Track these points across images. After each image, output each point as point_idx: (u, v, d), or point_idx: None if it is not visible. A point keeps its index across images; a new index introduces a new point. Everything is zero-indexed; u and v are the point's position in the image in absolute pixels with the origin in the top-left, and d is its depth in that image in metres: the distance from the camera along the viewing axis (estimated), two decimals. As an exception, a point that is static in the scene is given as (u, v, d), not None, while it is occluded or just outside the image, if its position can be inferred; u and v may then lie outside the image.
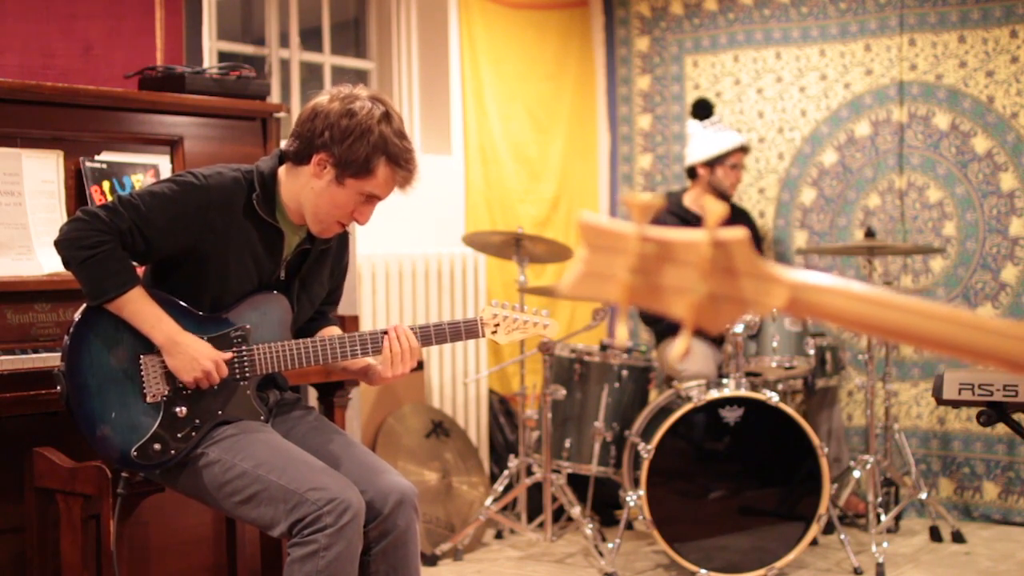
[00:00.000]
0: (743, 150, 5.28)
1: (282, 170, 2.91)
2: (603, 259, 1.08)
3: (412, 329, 2.93)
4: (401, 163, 2.82)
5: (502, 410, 5.36)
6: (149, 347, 2.82)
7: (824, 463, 4.21)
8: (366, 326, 4.70)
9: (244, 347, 2.88)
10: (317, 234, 2.92)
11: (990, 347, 1.07)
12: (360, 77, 5.40)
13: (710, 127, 5.26)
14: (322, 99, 2.86)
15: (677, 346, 1.08)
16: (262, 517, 2.75)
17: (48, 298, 3.17)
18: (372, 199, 2.86)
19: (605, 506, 5.01)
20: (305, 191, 2.86)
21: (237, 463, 2.78)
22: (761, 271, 1.07)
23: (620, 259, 1.07)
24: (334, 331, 3.05)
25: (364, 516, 2.74)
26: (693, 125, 5.32)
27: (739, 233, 1.06)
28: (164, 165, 3.55)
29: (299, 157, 2.86)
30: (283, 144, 2.93)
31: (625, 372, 4.73)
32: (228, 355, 2.85)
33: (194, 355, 2.79)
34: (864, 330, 1.09)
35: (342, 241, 3.09)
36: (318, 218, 2.87)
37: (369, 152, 2.78)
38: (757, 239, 5.46)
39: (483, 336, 2.96)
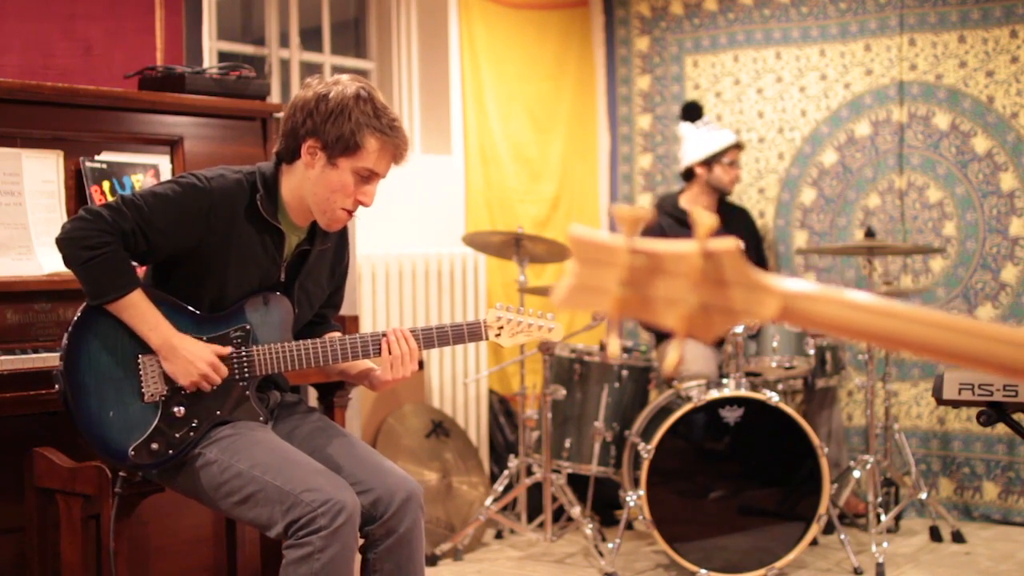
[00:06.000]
0: (738, 147, 5.28)
1: (281, 171, 2.92)
2: (594, 272, 1.08)
3: (414, 331, 2.92)
4: (387, 131, 2.82)
5: (502, 410, 5.35)
6: (148, 347, 2.82)
7: (824, 463, 4.20)
8: (366, 326, 4.70)
9: (244, 347, 2.88)
10: (326, 227, 2.92)
11: (986, 353, 1.07)
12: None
13: (703, 127, 5.27)
14: (298, 93, 2.89)
15: (669, 357, 1.08)
16: (259, 518, 2.75)
17: (48, 298, 3.17)
18: (371, 177, 2.86)
19: (605, 506, 5.00)
20: (304, 184, 2.86)
21: (234, 464, 2.78)
22: (752, 281, 1.07)
23: (611, 272, 1.07)
24: (336, 335, 3.05)
25: (359, 518, 2.73)
26: (685, 127, 5.33)
27: (729, 243, 1.06)
28: (164, 165, 3.55)
29: (290, 152, 2.87)
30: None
31: (625, 372, 4.73)
32: (225, 350, 2.85)
33: (191, 359, 2.79)
34: (858, 338, 1.09)
35: (341, 243, 3.09)
36: (322, 208, 2.86)
37: (353, 126, 2.79)
38: (756, 238, 5.46)
39: (487, 339, 2.95)
